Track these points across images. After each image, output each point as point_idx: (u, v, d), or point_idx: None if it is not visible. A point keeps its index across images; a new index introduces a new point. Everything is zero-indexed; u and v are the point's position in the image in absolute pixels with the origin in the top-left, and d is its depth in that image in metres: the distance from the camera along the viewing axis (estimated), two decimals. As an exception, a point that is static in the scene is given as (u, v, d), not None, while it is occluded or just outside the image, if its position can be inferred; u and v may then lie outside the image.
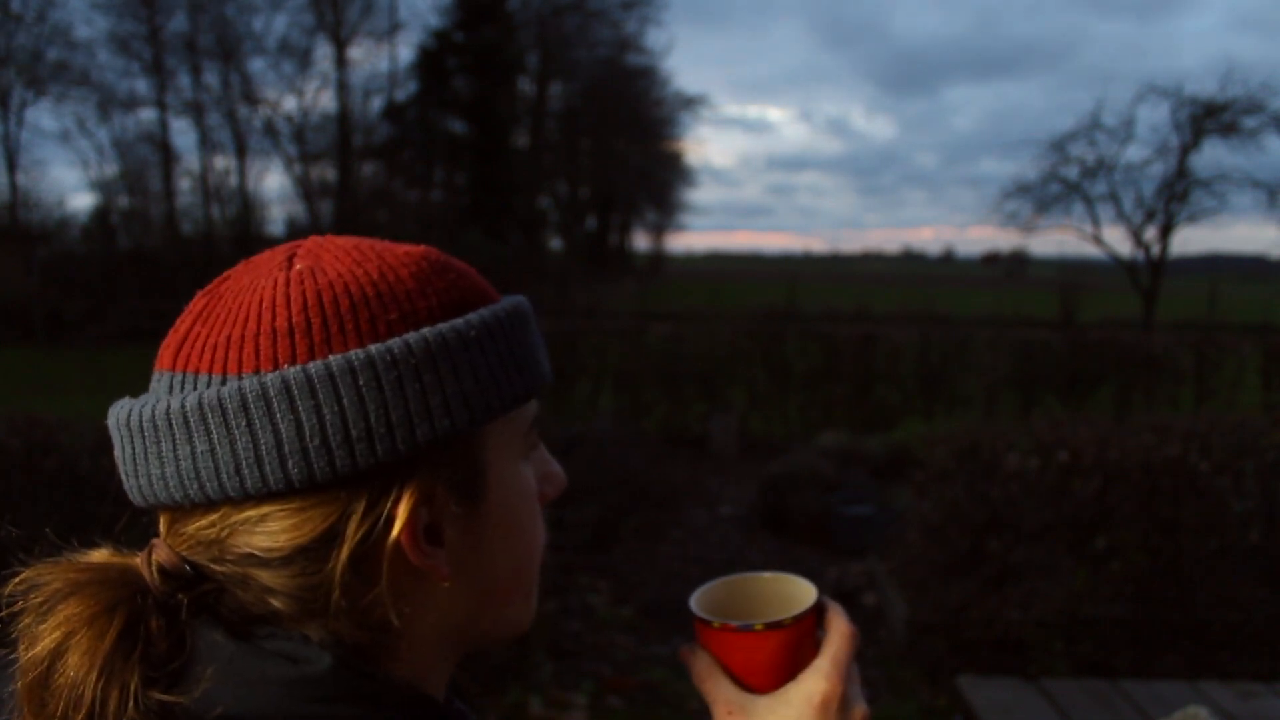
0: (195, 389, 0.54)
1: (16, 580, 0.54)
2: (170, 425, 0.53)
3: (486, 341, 0.58)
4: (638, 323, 12.30)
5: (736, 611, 0.72)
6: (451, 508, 0.57)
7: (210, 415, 0.52)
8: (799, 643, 0.68)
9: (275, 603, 0.54)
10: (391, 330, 0.55)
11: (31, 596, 0.53)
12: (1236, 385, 9.79)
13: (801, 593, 0.72)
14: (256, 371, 0.53)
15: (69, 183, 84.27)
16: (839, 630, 0.69)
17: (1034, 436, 3.99)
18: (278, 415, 0.52)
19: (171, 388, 0.55)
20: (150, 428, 0.54)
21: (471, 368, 0.56)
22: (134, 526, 0.59)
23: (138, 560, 0.55)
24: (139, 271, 23.29)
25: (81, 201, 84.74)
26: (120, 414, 0.56)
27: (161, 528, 0.57)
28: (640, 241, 59.27)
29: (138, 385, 0.60)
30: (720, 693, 0.68)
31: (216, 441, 0.52)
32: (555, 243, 40.06)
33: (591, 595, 5.12)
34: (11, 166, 27.39)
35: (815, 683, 0.66)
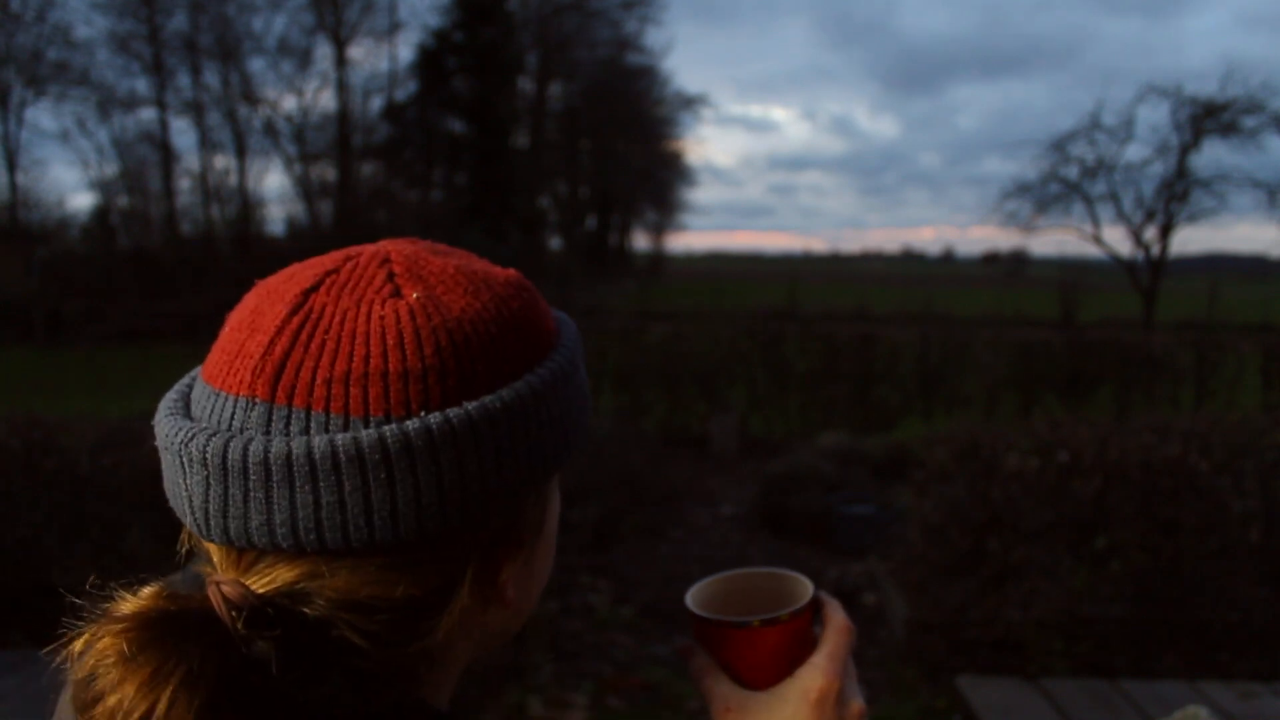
0: (314, 430, 0.49)
1: (73, 642, 0.49)
2: (289, 470, 0.48)
3: (579, 362, 0.58)
4: (638, 323, 12.30)
5: (733, 608, 0.72)
6: (526, 545, 0.58)
7: (345, 464, 0.47)
8: (795, 638, 0.68)
9: (355, 639, 0.50)
10: (514, 371, 0.52)
11: (90, 657, 0.47)
12: (1236, 385, 9.79)
13: (798, 589, 0.72)
14: (387, 416, 0.48)
15: (69, 183, 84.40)
16: (835, 626, 0.69)
17: (1034, 436, 3.99)
18: (419, 467, 0.48)
19: (272, 423, 0.49)
20: (259, 470, 0.48)
21: (568, 405, 0.55)
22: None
23: (210, 600, 0.49)
24: (139, 271, 23.30)
25: (81, 201, 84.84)
26: (206, 446, 0.49)
27: (220, 561, 0.53)
28: (640, 241, 59.34)
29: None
30: (718, 689, 0.68)
31: (349, 492, 0.47)
32: (555, 243, 40.07)
33: (591, 595, 5.12)
34: (11, 166, 27.41)
35: (812, 678, 0.66)
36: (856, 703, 0.67)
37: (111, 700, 0.45)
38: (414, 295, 0.52)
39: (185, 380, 0.57)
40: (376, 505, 0.48)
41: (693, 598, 0.71)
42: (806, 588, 0.71)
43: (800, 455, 7.26)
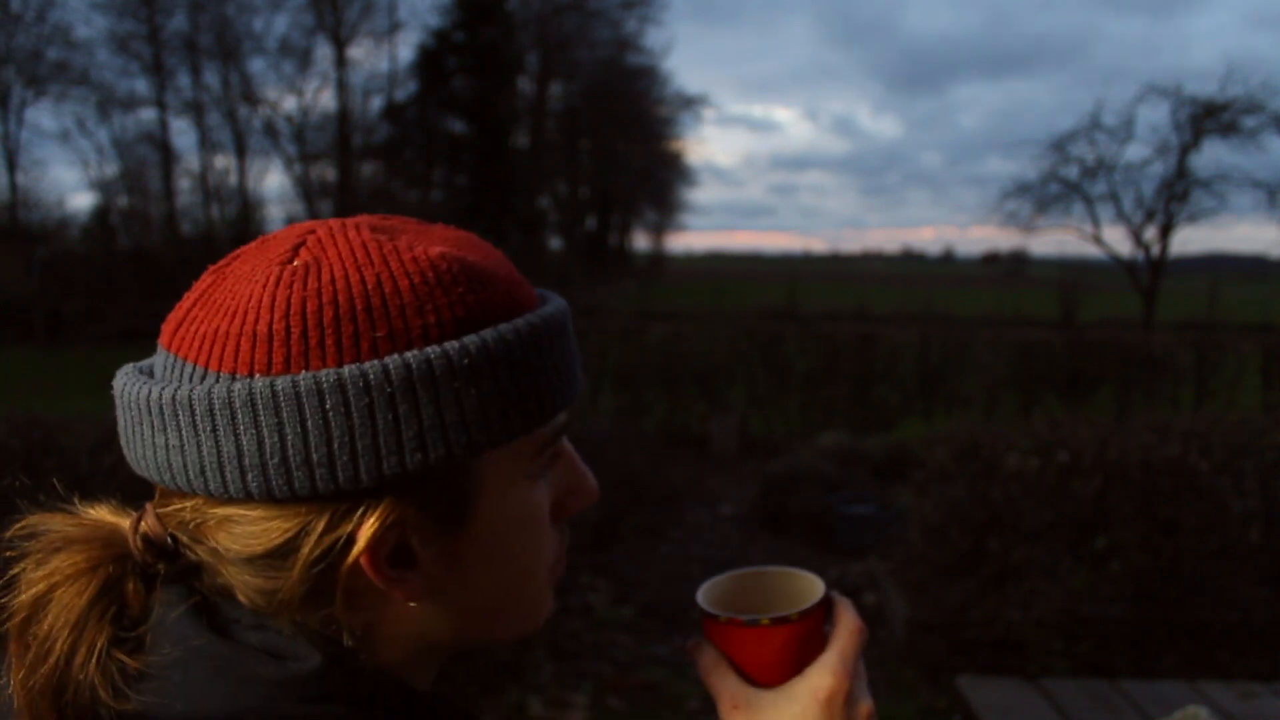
0: (179, 379, 0.53)
1: (19, 525, 0.56)
2: (149, 411, 0.53)
3: (484, 368, 0.52)
4: (638, 323, 12.29)
5: (744, 606, 0.72)
6: (426, 532, 0.55)
7: (181, 413, 0.52)
8: (805, 638, 0.68)
9: (241, 597, 0.54)
10: (376, 349, 0.51)
11: (31, 543, 0.56)
12: (1236, 385, 9.79)
13: (809, 588, 0.72)
14: (233, 374, 0.51)
15: (69, 183, 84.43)
16: (847, 626, 0.69)
17: (1034, 436, 3.99)
18: (240, 428, 0.50)
19: (164, 370, 0.55)
20: (135, 408, 0.54)
21: (457, 400, 0.52)
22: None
23: (127, 523, 0.56)
24: (139, 271, 23.30)
25: (81, 201, 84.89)
26: (120, 384, 0.56)
27: (156, 495, 0.58)
28: (640, 241, 59.34)
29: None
30: (726, 687, 0.67)
31: (185, 440, 0.52)
32: (555, 243, 40.07)
33: (591, 595, 5.12)
34: (11, 166, 27.44)
35: (821, 678, 0.66)
36: (866, 704, 0.66)
37: (29, 588, 0.54)
38: (298, 261, 0.54)
39: None
40: (206, 457, 0.51)
41: (704, 595, 0.71)
42: (818, 587, 0.71)
43: (800, 455, 7.26)
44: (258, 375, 0.51)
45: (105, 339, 18.44)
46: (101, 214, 30.03)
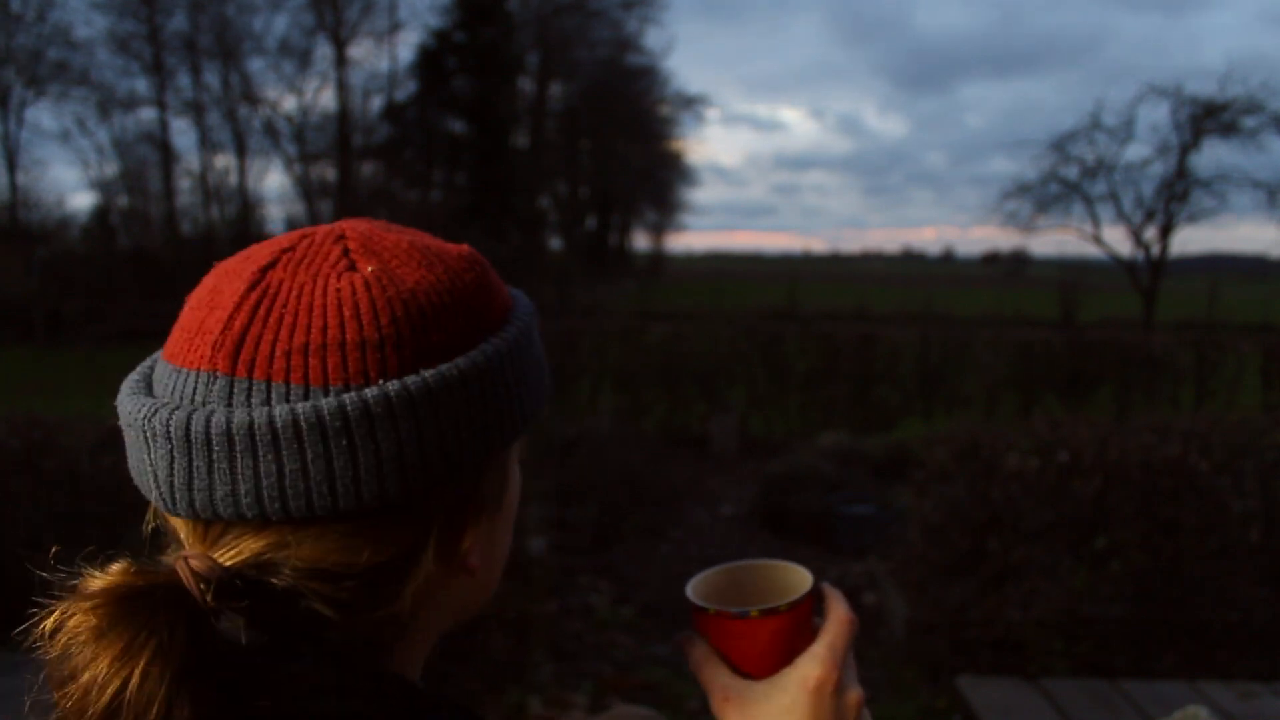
0: (274, 400, 0.49)
1: (45, 620, 0.48)
2: (253, 440, 0.48)
3: (536, 343, 0.59)
4: (638, 323, 12.29)
5: (734, 599, 0.72)
6: (484, 512, 0.58)
7: (307, 432, 0.48)
8: (794, 629, 0.68)
9: (323, 609, 0.51)
10: (469, 341, 0.53)
11: (62, 635, 0.48)
12: (1236, 385, 9.78)
13: (798, 580, 0.72)
14: (346, 385, 0.49)
15: (69, 183, 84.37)
16: (837, 617, 0.69)
17: (1034, 436, 3.99)
18: (379, 434, 0.49)
19: (234, 395, 0.50)
20: (222, 441, 0.48)
21: (524, 375, 0.56)
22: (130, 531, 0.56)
23: (178, 574, 0.49)
24: (139, 271, 23.29)
25: (81, 201, 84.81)
26: (169, 420, 0.50)
27: (187, 536, 0.54)
28: (640, 241, 59.33)
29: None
30: (717, 679, 0.68)
31: (311, 459, 0.48)
32: (555, 243, 40.05)
33: (591, 595, 5.12)
34: (11, 166, 27.41)
35: (810, 667, 0.66)
36: (855, 692, 0.67)
37: (85, 677, 0.46)
38: (369, 269, 0.53)
39: (147, 362, 0.58)
40: (339, 472, 0.49)
41: (693, 588, 0.71)
42: (807, 580, 0.71)
43: (800, 455, 7.26)
44: (379, 382, 0.50)
45: (105, 339, 18.43)
46: (101, 214, 30.02)
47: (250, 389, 0.50)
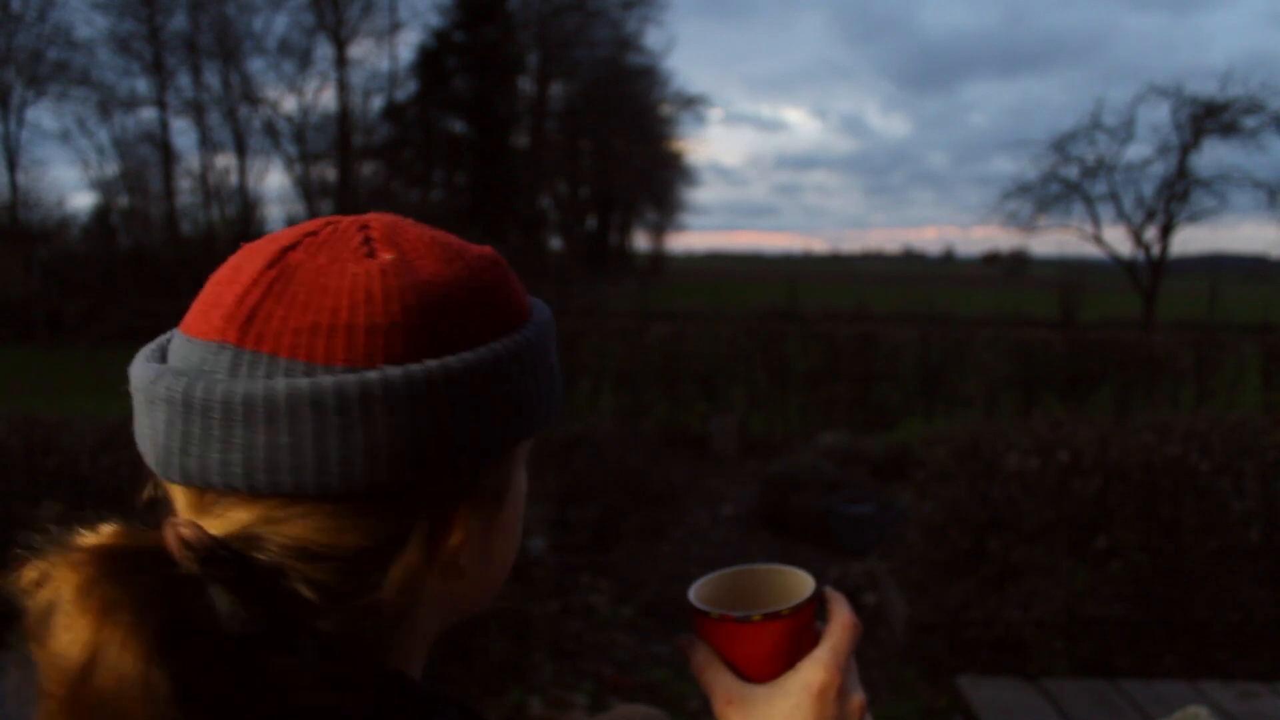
0: (277, 374, 0.49)
1: (25, 572, 0.49)
2: (251, 411, 0.49)
3: (550, 344, 0.59)
4: (638, 323, 12.29)
5: (736, 603, 0.72)
6: (483, 508, 0.58)
7: (303, 407, 0.48)
8: (797, 633, 0.68)
9: (304, 591, 0.51)
10: (481, 339, 0.54)
11: (42, 589, 0.48)
12: (1236, 385, 9.78)
13: (801, 584, 0.72)
14: (350, 366, 0.50)
15: (69, 182, 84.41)
16: (840, 621, 0.69)
17: (1034, 436, 3.99)
18: (376, 417, 0.49)
19: (238, 366, 0.50)
20: (222, 409, 0.49)
21: (533, 381, 0.56)
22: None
23: (165, 540, 0.50)
24: (139, 271, 23.29)
25: (81, 201, 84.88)
26: (172, 384, 0.50)
27: (182, 505, 0.54)
28: (640, 241, 59.36)
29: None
30: (719, 683, 0.68)
31: (303, 435, 0.48)
32: (555, 242, 40.07)
33: (592, 595, 5.12)
34: (11, 166, 27.41)
35: (813, 672, 0.66)
36: (857, 697, 0.67)
37: (65, 637, 0.46)
38: (387, 256, 0.54)
39: (165, 335, 0.59)
40: (330, 451, 0.49)
41: (696, 592, 0.71)
42: (809, 584, 0.71)
43: (800, 455, 7.26)
44: (383, 366, 0.50)
45: (105, 339, 18.44)
46: (101, 214, 30.02)
47: (255, 361, 0.50)
